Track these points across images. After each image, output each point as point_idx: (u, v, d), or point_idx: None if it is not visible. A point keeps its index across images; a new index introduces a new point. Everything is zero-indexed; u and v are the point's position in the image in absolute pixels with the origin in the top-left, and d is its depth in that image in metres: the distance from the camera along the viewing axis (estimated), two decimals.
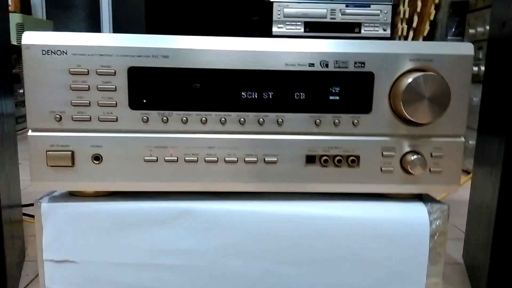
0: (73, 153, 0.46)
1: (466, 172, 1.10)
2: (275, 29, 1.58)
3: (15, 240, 0.63)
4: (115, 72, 0.44)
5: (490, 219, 0.58)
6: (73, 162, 0.46)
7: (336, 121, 0.47)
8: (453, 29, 1.51)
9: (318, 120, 0.46)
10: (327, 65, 0.45)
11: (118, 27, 2.58)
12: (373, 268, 0.49)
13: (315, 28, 1.59)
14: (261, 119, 0.46)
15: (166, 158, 0.46)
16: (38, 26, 2.20)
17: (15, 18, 1.99)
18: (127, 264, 0.48)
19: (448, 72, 0.45)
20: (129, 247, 0.48)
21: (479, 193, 0.62)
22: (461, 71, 0.46)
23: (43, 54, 0.43)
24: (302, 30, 1.59)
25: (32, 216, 0.48)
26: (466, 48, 0.46)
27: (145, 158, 0.46)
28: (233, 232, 0.48)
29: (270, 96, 0.46)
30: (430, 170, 0.48)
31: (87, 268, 0.48)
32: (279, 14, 1.57)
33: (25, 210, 0.69)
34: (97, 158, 0.46)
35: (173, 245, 0.48)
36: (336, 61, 0.45)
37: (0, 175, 0.56)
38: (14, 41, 1.63)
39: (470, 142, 1.33)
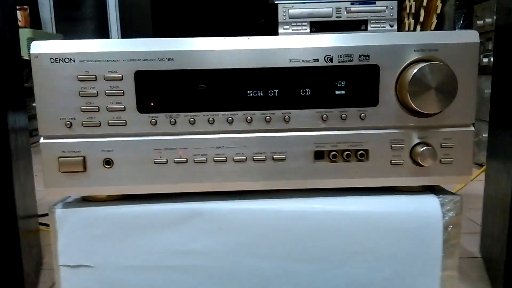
0: (84, 158, 0.46)
1: (481, 165, 1.08)
2: (281, 30, 1.59)
3: (32, 249, 0.64)
4: (122, 77, 0.45)
5: (505, 211, 0.57)
6: (85, 168, 0.46)
7: (343, 115, 0.46)
8: (461, 21, 1.50)
9: (325, 116, 0.46)
10: (331, 60, 0.45)
11: (127, 37, 2.62)
12: (387, 263, 0.48)
13: (321, 27, 1.59)
14: (267, 117, 0.46)
15: (175, 159, 0.47)
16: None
17: (25, 33, 2.03)
18: (141, 267, 0.49)
19: (454, 61, 0.45)
20: (143, 249, 0.49)
21: (493, 186, 0.62)
22: (467, 60, 0.45)
23: (51, 63, 0.44)
24: (308, 30, 1.59)
25: (48, 225, 0.49)
26: (471, 36, 0.45)
27: (155, 160, 0.47)
28: (244, 231, 0.48)
29: (276, 94, 0.46)
30: (440, 161, 0.47)
31: (102, 272, 0.49)
32: (284, 15, 1.58)
33: (42, 219, 0.70)
34: (108, 162, 0.47)
35: (186, 246, 0.49)
36: (340, 55, 0.45)
37: (16, 187, 0.57)
38: (25, 56, 1.66)
39: (484, 135, 1.32)
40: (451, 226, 0.48)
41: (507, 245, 0.57)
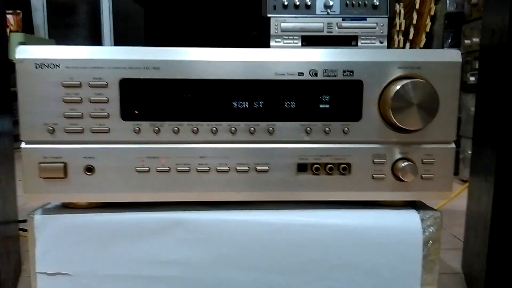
0: (65, 164, 0.46)
1: (466, 182, 1.10)
2: (272, 43, 1.60)
3: (11, 255, 0.63)
4: (107, 84, 0.45)
5: (485, 228, 0.58)
6: (65, 174, 0.46)
7: (327, 129, 0.47)
8: (449, 40, 1.53)
9: (308, 128, 0.47)
10: (316, 74, 0.46)
11: (119, 45, 2.62)
12: (367, 276, 0.48)
13: (312, 41, 1.60)
14: (252, 128, 0.47)
15: (158, 168, 0.46)
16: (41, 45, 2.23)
17: (17, 38, 2.02)
18: (120, 276, 0.48)
19: (436, 78, 0.46)
20: (122, 258, 0.48)
21: (476, 202, 0.62)
22: (449, 78, 0.46)
23: (36, 68, 0.44)
24: (300, 44, 1.61)
25: None
26: (453, 55, 0.46)
27: (137, 168, 0.46)
28: (225, 242, 0.48)
29: (261, 105, 0.46)
30: (421, 177, 0.48)
31: (80, 280, 0.48)
32: (276, 29, 1.59)
33: (23, 225, 0.69)
34: (90, 169, 0.46)
35: (166, 256, 0.48)
36: (325, 70, 0.46)
37: None
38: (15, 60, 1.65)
39: (469, 152, 1.33)
40: (431, 241, 0.49)
41: (487, 262, 0.57)
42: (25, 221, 0.63)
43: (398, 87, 0.44)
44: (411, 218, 0.49)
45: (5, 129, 0.60)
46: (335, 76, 0.46)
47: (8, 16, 2.14)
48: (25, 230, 0.72)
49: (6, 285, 0.60)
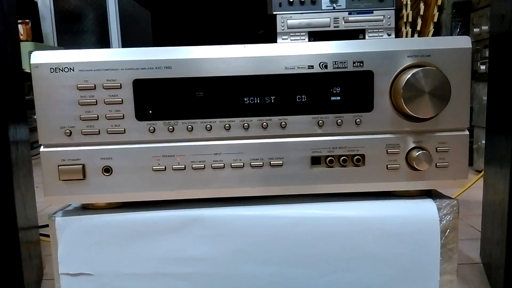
0: (84, 166, 0.47)
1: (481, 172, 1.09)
2: (279, 40, 1.60)
3: (33, 259, 0.65)
4: (120, 86, 0.46)
5: (503, 216, 0.57)
6: (84, 175, 0.47)
7: (339, 121, 0.47)
8: (458, 29, 1.51)
9: (321, 121, 0.47)
10: (326, 66, 0.46)
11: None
12: (385, 267, 0.48)
13: (320, 37, 1.60)
14: (264, 123, 0.47)
15: (173, 166, 0.47)
16: None
17: (27, 47, 2.05)
18: (141, 274, 0.49)
19: (447, 65, 0.46)
20: (142, 257, 0.49)
21: (492, 191, 0.62)
22: (460, 64, 0.46)
23: (51, 72, 0.45)
24: (307, 39, 1.60)
25: (49, 236, 0.49)
26: (463, 41, 0.46)
27: (154, 167, 0.47)
28: (243, 237, 0.48)
29: (272, 100, 0.47)
30: (436, 165, 0.48)
31: (102, 280, 0.49)
32: (283, 26, 1.59)
33: (42, 230, 0.71)
34: (107, 170, 0.47)
35: (185, 253, 0.49)
36: (334, 61, 0.46)
37: (16, 198, 0.57)
38: (27, 69, 1.68)
39: (483, 141, 1.32)
40: (448, 230, 0.48)
41: (506, 250, 0.57)
42: (45, 226, 0.65)
43: (409, 75, 0.44)
44: (427, 207, 0.48)
45: (22, 137, 0.61)
46: (345, 67, 0.46)
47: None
48: (46, 235, 0.73)
49: None
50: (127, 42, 2.67)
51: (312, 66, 0.46)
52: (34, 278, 0.65)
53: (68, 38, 2.63)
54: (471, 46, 0.46)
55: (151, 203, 0.50)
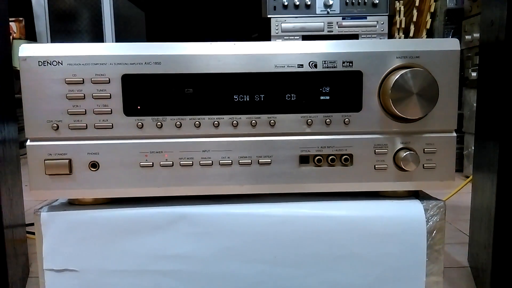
0: (70, 161, 0.46)
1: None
2: None
3: (19, 257, 0.64)
4: (109, 80, 0.45)
5: (490, 220, 0.58)
6: (70, 170, 0.47)
7: (328, 120, 0.47)
8: (450, 36, 1.53)
9: (309, 120, 0.47)
10: (315, 66, 0.46)
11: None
12: (372, 267, 0.48)
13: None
14: (253, 121, 0.47)
15: (161, 163, 0.47)
16: None
17: (20, 45, 2.03)
18: (127, 271, 0.49)
19: (435, 67, 0.46)
20: (128, 253, 0.48)
21: (479, 196, 0.62)
22: (448, 66, 0.46)
23: (39, 65, 0.45)
24: None
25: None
26: (452, 44, 0.47)
27: (141, 163, 0.47)
28: (229, 235, 0.48)
29: (262, 98, 0.47)
30: (423, 166, 0.48)
31: (87, 276, 0.49)
32: (277, 29, 1.60)
33: (29, 228, 0.70)
34: (94, 165, 0.47)
35: (171, 250, 0.48)
36: (324, 61, 0.46)
37: (3, 196, 0.57)
38: (18, 67, 1.66)
39: (473, 148, 1.33)
40: (435, 231, 0.49)
41: (493, 253, 0.57)
42: (31, 224, 0.64)
43: (397, 76, 0.45)
44: (414, 208, 0.49)
45: (11, 135, 0.61)
46: (334, 67, 0.46)
47: (11, 23, 2.16)
48: (32, 233, 0.73)
49: (15, 286, 0.60)
50: (121, 41, 2.66)
51: (302, 65, 0.46)
52: (20, 276, 0.64)
53: (62, 38, 2.61)
54: (459, 49, 0.47)
55: (138, 200, 0.49)
